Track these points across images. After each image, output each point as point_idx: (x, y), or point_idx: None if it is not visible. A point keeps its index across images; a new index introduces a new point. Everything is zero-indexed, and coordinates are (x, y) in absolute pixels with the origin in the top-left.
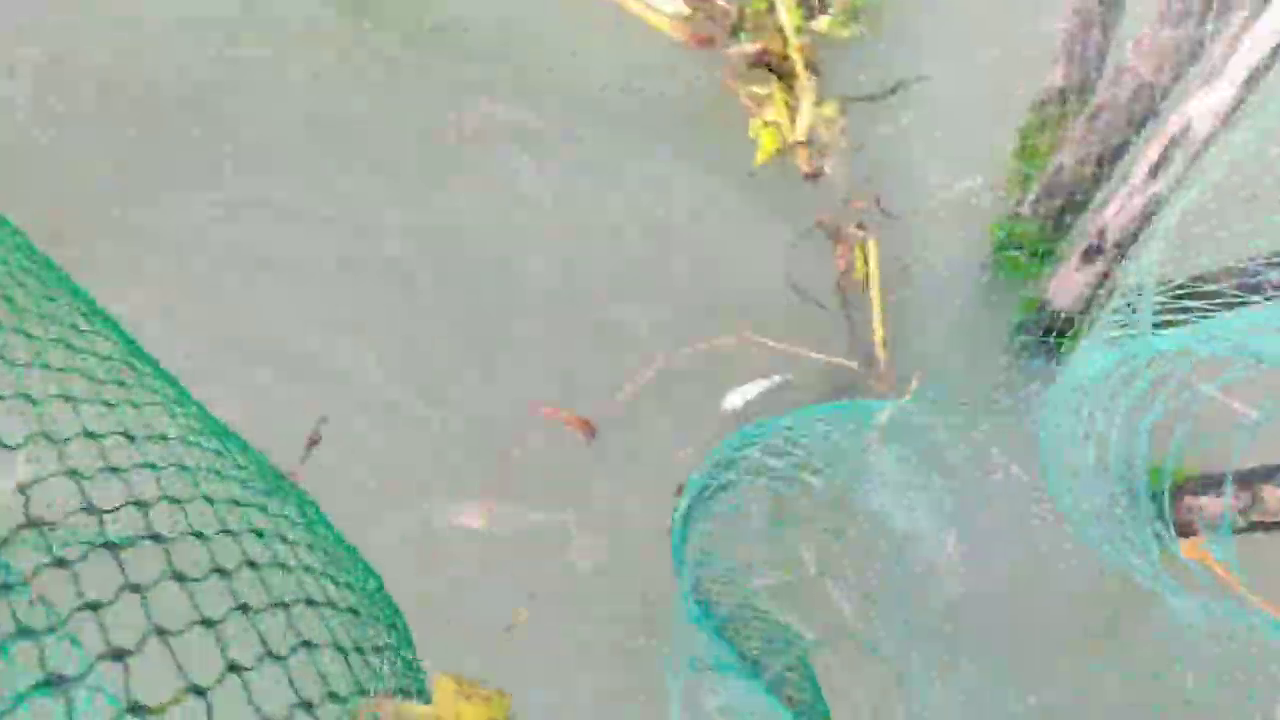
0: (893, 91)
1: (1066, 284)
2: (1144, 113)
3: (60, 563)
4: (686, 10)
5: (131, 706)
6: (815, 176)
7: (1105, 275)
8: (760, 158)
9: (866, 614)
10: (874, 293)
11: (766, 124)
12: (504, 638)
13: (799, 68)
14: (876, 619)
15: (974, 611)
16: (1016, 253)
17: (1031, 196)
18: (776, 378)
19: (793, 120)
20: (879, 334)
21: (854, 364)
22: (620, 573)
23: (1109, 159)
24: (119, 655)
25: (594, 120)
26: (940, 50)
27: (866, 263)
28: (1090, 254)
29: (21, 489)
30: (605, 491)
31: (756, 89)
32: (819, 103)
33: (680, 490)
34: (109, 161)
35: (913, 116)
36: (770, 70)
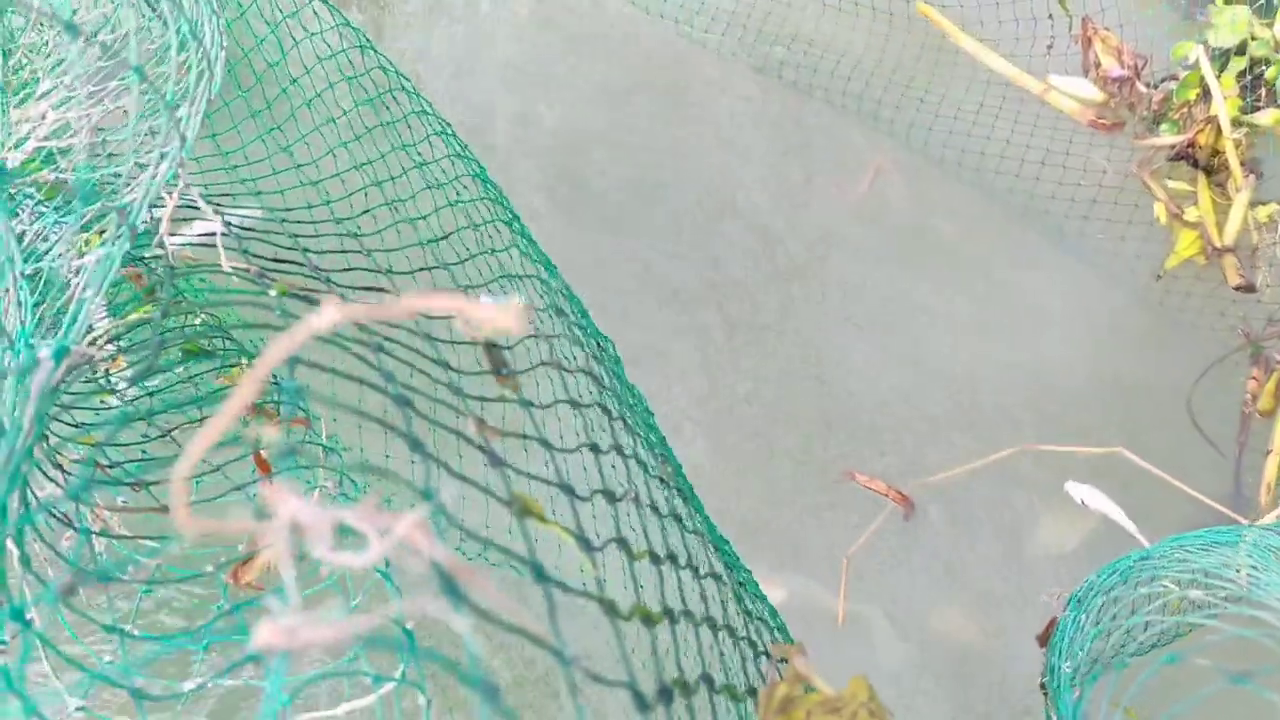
0: None
1: None
2: None
3: None
4: (1100, 95)
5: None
6: (1247, 289)
7: None
8: (1172, 261)
9: None
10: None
11: (1186, 224)
12: None
13: (1233, 164)
14: None
15: None
16: None
17: None
18: (1126, 521)
19: (1219, 223)
20: (1272, 474)
21: (1222, 506)
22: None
23: None
24: None
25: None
26: None
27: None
28: None
29: None
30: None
31: (1178, 185)
32: (1255, 205)
33: (1049, 633)
34: None
35: None
36: (1195, 165)
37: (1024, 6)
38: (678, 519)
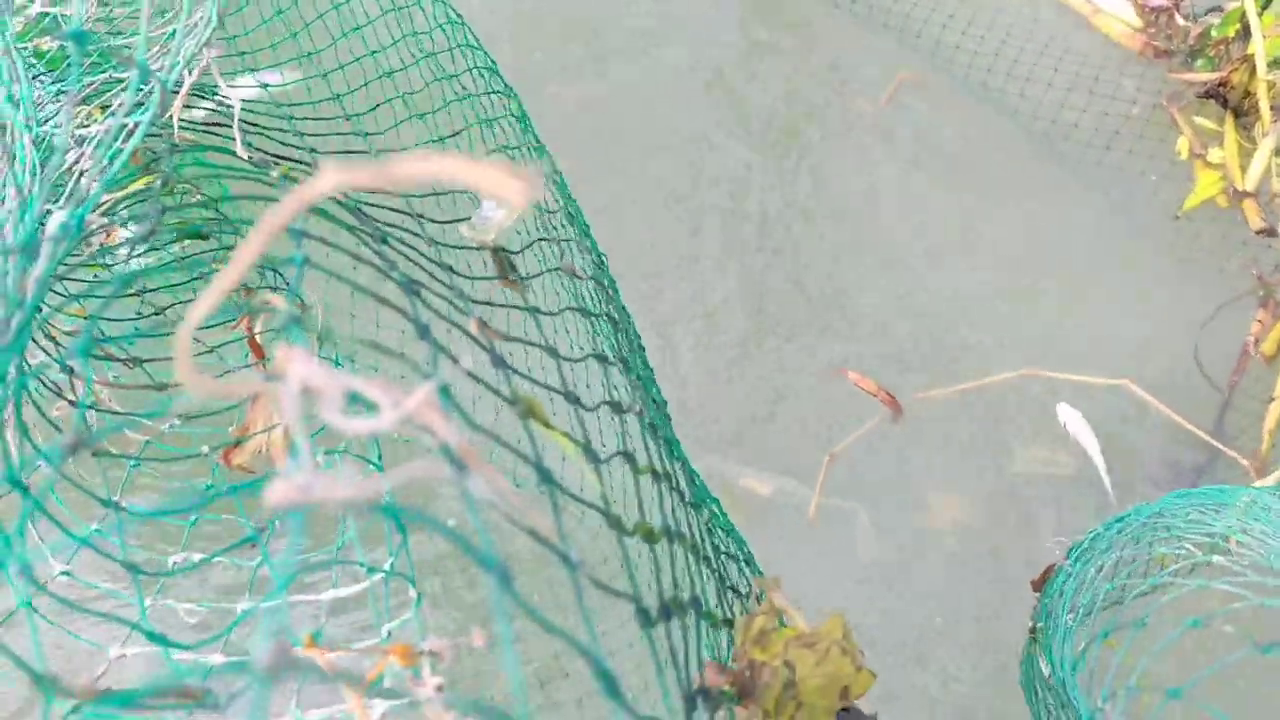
0: None
1: None
2: None
3: None
4: (1139, 22)
5: None
6: (1269, 233)
7: None
8: (1191, 202)
9: None
10: None
11: (1209, 165)
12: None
13: (1263, 107)
14: None
15: None
16: None
17: None
18: (1098, 457)
19: (1243, 166)
20: (1273, 421)
21: (1216, 442)
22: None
23: None
24: None
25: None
26: None
27: None
28: None
29: None
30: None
31: (1205, 123)
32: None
33: (1044, 579)
34: None
35: None
36: (1224, 105)
37: None
38: (669, 442)
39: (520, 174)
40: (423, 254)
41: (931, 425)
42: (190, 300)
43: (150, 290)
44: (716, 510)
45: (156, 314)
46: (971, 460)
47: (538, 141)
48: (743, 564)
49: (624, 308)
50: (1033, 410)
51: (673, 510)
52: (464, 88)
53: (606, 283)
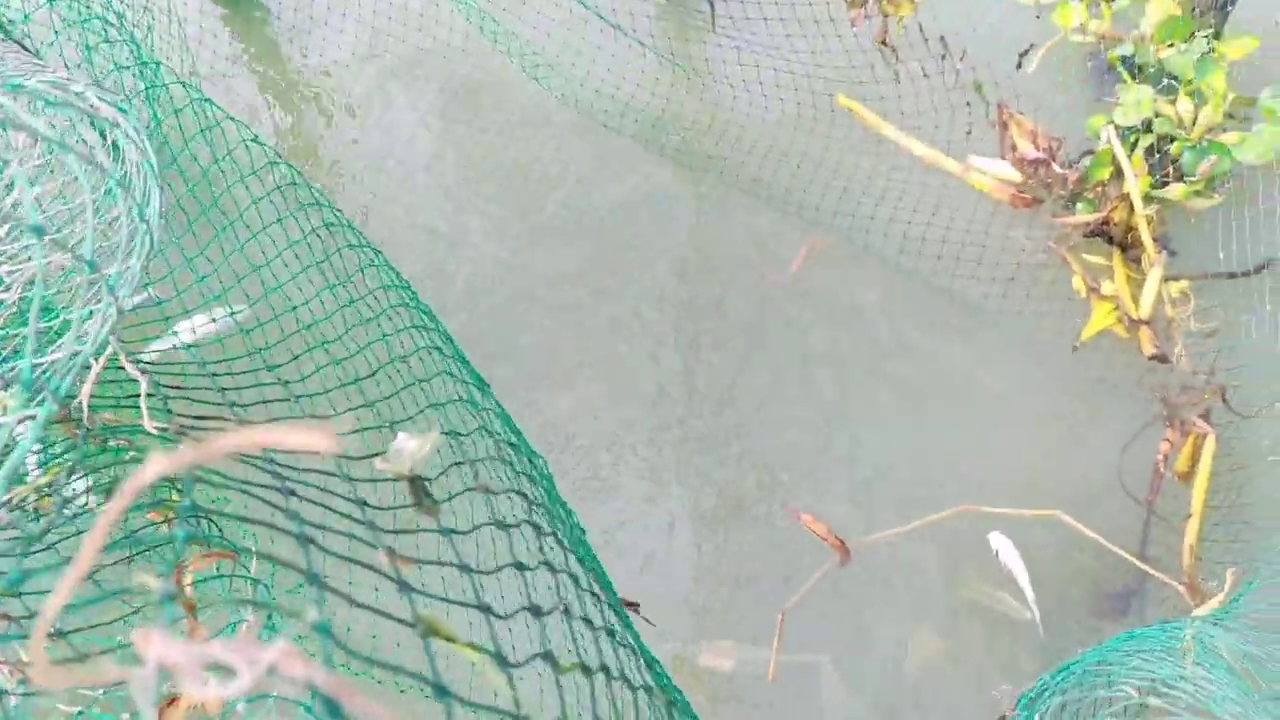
0: (1257, 271)
1: None
2: None
3: None
4: (1017, 175)
5: None
6: (1162, 359)
7: None
8: (1087, 332)
9: None
10: (1199, 492)
11: (1102, 297)
12: None
13: (1146, 241)
14: None
15: None
16: None
17: None
18: (1026, 586)
19: (1134, 296)
20: (1193, 536)
21: (1144, 565)
22: None
23: None
24: None
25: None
26: None
27: (1195, 459)
28: None
29: None
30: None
31: (1095, 260)
32: (1168, 279)
33: None
34: None
35: None
36: (1110, 241)
37: (941, 96)
38: (610, 632)
39: (321, 427)
40: (336, 493)
41: (879, 569)
42: (124, 561)
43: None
44: (677, 695)
45: (91, 578)
46: (923, 597)
47: (463, 362)
48: None
49: (563, 503)
50: (972, 544)
51: (623, 691)
52: (380, 328)
53: (538, 486)
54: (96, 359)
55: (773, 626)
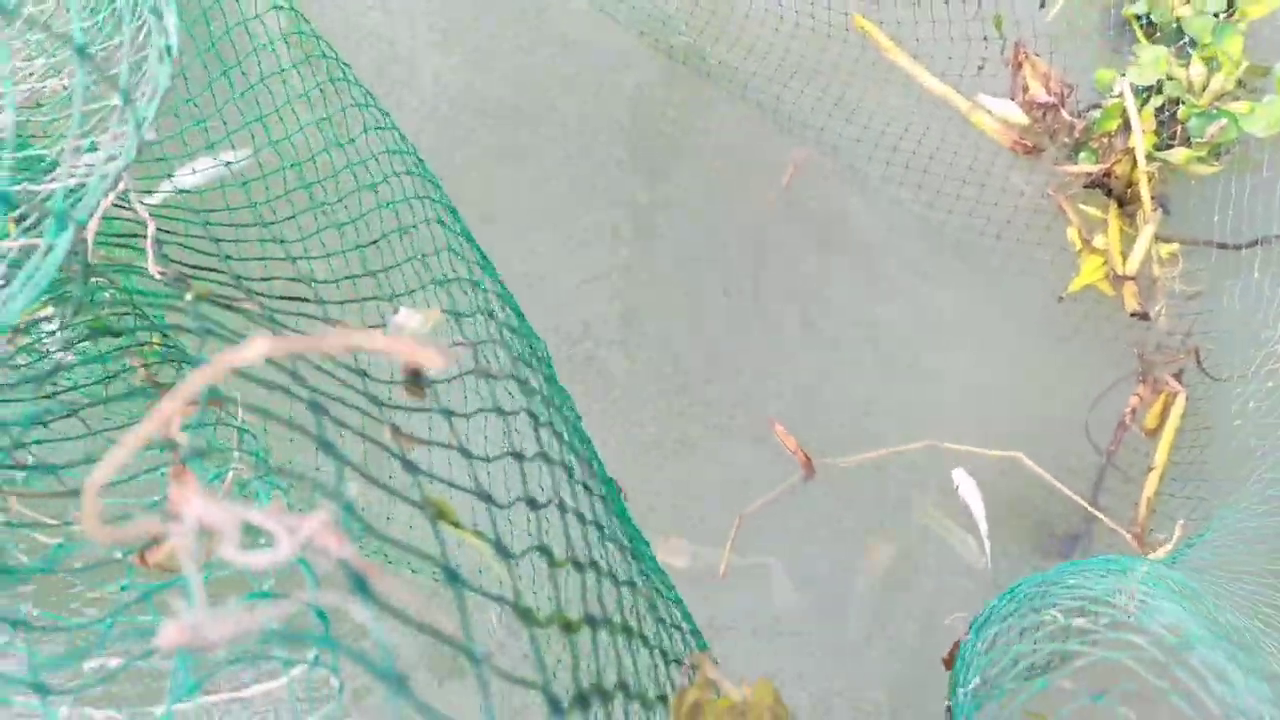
0: (1251, 245)
1: None
2: None
3: None
4: (1025, 119)
5: None
6: (1143, 316)
7: None
8: (1075, 285)
9: None
10: (1164, 447)
11: (1093, 250)
12: None
13: (1144, 197)
14: None
15: None
16: None
17: None
18: (982, 522)
19: (1124, 252)
20: (1152, 489)
21: (1096, 510)
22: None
23: None
24: None
25: (892, 218)
26: None
27: (1164, 416)
28: None
29: None
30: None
31: (1089, 211)
32: (1160, 239)
33: (953, 656)
34: None
35: (1268, 276)
36: (1108, 194)
37: (959, 28)
38: (599, 527)
39: (436, 345)
40: (338, 362)
41: (842, 489)
42: (105, 400)
43: (62, 390)
44: (661, 583)
45: (69, 415)
46: (880, 520)
47: (467, 238)
48: (688, 635)
49: (562, 389)
50: (935, 477)
51: (610, 587)
52: (391, 192)
53: (539, 370)
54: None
55: (729, 530)
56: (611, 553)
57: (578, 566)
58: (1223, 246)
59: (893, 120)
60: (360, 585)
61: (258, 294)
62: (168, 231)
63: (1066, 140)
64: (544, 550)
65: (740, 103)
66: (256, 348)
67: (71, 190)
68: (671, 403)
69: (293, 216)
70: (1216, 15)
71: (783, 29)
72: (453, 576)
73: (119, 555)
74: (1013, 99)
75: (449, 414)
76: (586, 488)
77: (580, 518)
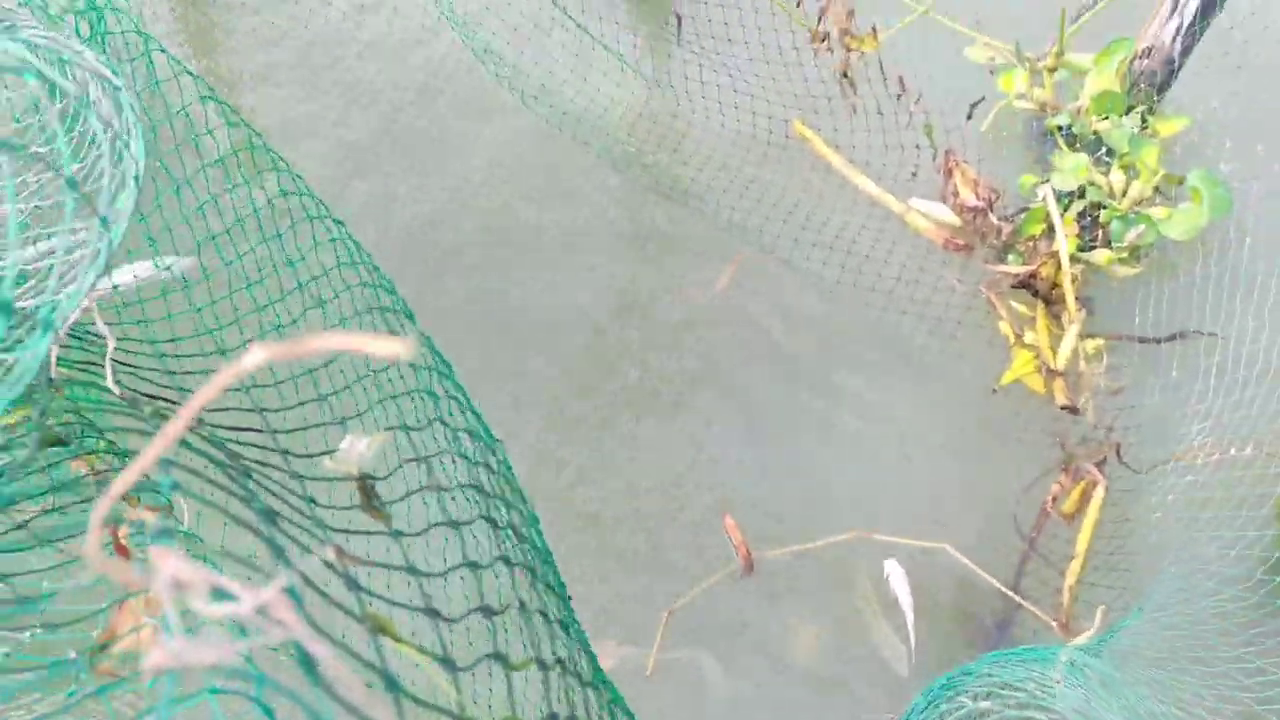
0: (1170, 339)
1: None
2: None
3: None
4: (956, 220)
5: None
6: (1072, 410)
7: None
8: (1007, 378)
9: None
10: (1084, 535)
11: (1024, 346)
12: None
13: (1069, 298)
14: None
15: None
16: None
17: None
18: (909, 611)
19: (1053, 348)
20: (1073, 577)
21: (1021, 600)
22: None
23: None
24: None
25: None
26: (1238, 309)
27: (1084, 503)
28: None
29: None
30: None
31: (1020, 308)
32: (1085, 336)
33: None
34: None
35: (1187, 371)
36: (1035, 294)
37: (893, 136)
38: (565, 627)
39: (399, 339)
40: (286, 488)
41: (773, 580)
42: (52, 510)
43: (12, 503)
44: (609, 691)
45: (19, 528)
46: (811, 611)
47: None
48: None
49: (520, 492)
50: (867, 567)
51: (568, 696)
52: (340, 310)
53: (497, 475)
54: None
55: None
56: (576, 653)
57: (542, 666)
58: (1144, 341)
59: (830, 220)
60: (308, 665)
61: (207, 423)
62: (122, 363)
63: (995, 242)
64: (498, 657)
65: (682, 206)
66: (257, 355)
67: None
68: (607, 502)
69: (236, 321)
70: (1133, 129)
71: (724, 135)
72: (391, 683)
73: (72, 654)
74: (944, 202)
75: (398, 534)
76: (549, 586)
77: (545, 617)
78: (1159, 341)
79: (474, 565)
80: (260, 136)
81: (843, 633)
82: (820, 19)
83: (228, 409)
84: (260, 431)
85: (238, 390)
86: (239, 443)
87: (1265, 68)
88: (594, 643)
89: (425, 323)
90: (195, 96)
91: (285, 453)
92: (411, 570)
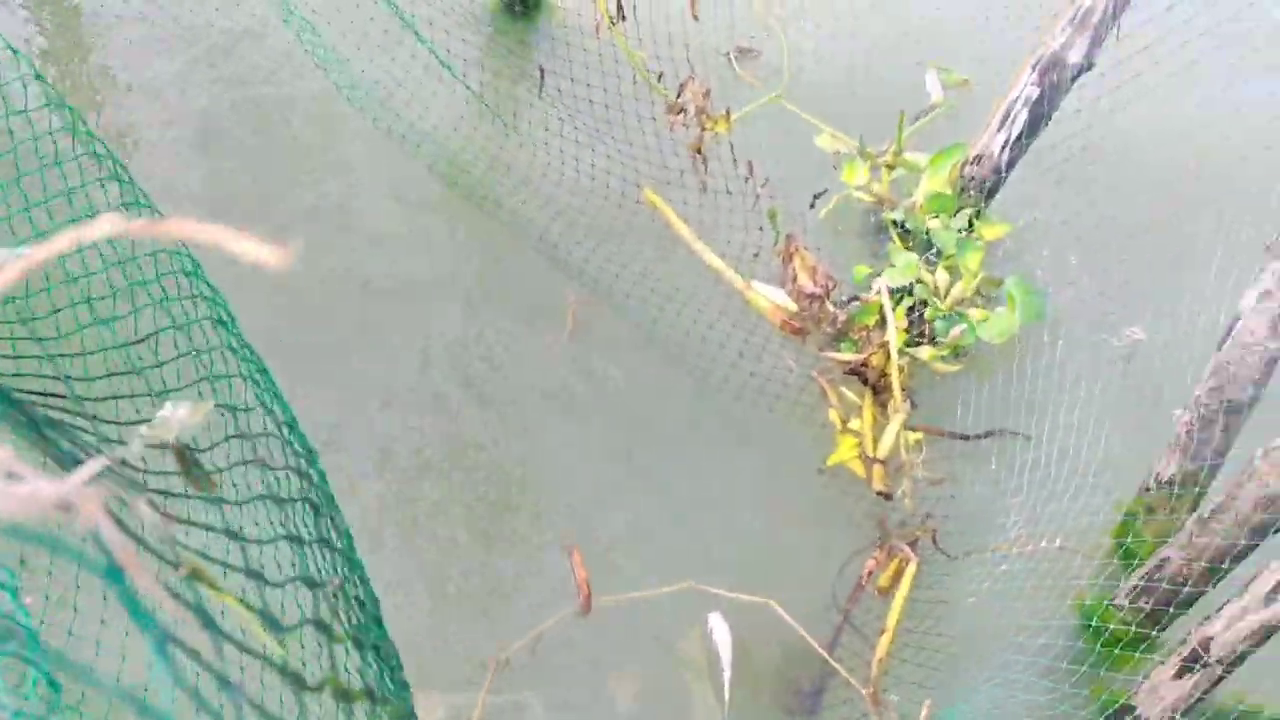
0: (985, 436)
1: (1159, 695)
2: (1268, 524)
3: None
4: (794, 305)
5: None
6: (886, 497)
7: (1205, 694)
8: (832, 460)
9: None
10: (894, 612)
11: (849, 432)
12: None
13: (895, 389)
14: None
15: None
16: (1106, 645)
17: (1130, 584)
18: (727, 667)
19: (876, 437)
20: (883, 650)
21: (839, 667)
22: None
23: (1222, 564)
24: None
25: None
26: (1050, 411)
27: (897, 580)
28: (1190, 666)
29: None
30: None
31: (848, 394)
32: (907, 428)
33: None
34: None
35: (1003, 466)
36: (864, 382)
37: (740, 216)
38: (378, 621)
39: (275, 243)
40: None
41: (605, 626)
42: None
43: None
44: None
45: None
46: (636, 659)
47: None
48: None
49: (331, 497)
50: (693, 619)
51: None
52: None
53: (314, 474)
54: None
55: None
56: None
57: (359, 644)
58: (963, 438)
59: (677, 288)
60: (114, 574)
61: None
62: None
63: (830, 329)
64: (320, 625)
65: (532, 254)
66: (104, 225)
67: None
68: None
69: (54, 311)
70: (960, 231)
71: (578, 192)
72: (210, 623)
73: None
74: (783, 286)
75: (219, 500)
76: (361, 581)
77: (361, 603)
78: (973, 438)
79: (296, 539)
80: (94, 135)
81: (661, 684)
82: (679, 93)
83: (26, 374)
84: (64, 397)
85: (39, 357)
86: (45, 405)
87: (1082, 184)
88: (418, 694)
89: None
90: None
91: (94, 418)
92: (231, 534)
